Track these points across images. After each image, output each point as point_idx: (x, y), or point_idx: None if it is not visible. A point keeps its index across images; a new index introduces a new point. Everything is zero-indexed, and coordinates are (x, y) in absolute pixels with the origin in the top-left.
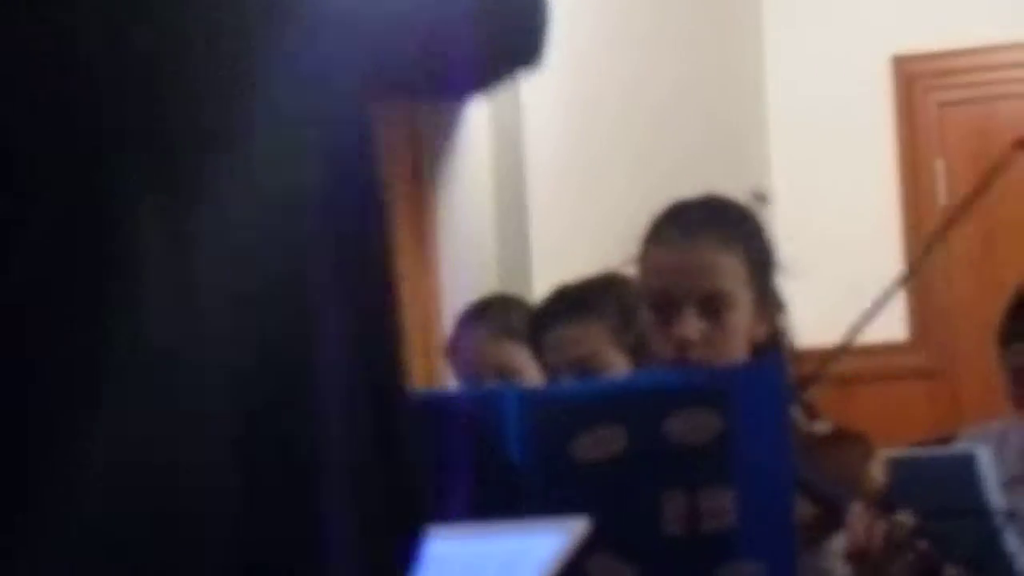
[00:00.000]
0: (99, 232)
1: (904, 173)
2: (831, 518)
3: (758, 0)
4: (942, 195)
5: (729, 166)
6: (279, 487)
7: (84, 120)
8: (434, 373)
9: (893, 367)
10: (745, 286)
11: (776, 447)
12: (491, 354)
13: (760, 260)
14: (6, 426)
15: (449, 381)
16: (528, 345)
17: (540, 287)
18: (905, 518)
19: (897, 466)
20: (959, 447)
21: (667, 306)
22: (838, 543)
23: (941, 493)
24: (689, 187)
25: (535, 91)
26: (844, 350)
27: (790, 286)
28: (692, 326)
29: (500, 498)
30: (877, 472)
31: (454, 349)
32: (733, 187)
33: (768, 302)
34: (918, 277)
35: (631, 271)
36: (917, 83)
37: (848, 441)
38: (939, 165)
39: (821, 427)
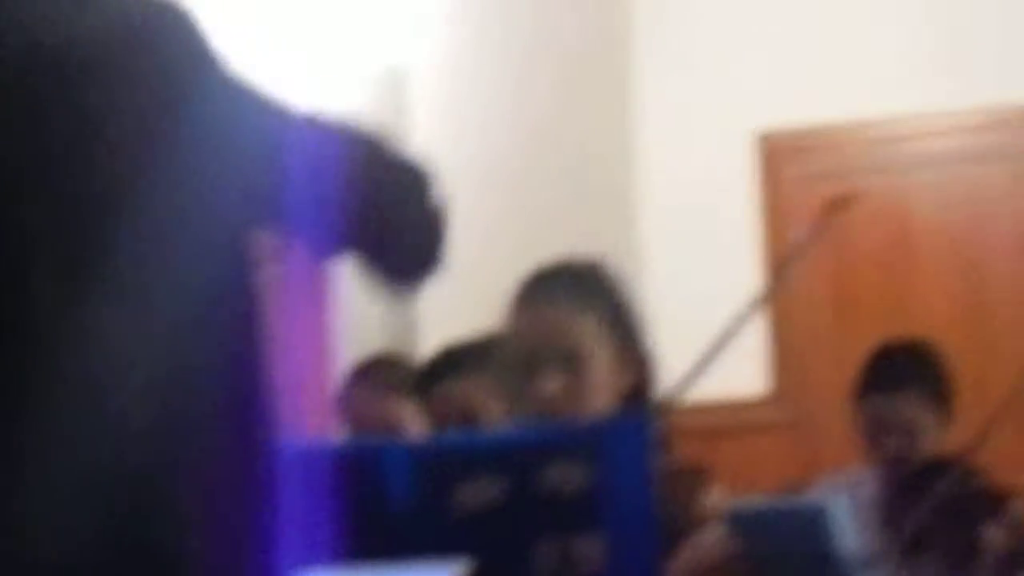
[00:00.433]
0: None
1: (766, 241)
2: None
3: (629, 75)
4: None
5: (602, 229)
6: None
7: None
8: (326, 427)
9: (755, 421)
10: (603, 343)
11: (643, 496)
12: (378, 408)
13: (617, 318)
14: None
15: (339, 434)
16: (413, 399)
17: (424, 346)
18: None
19: (751, 516)
20: (814, 497)
21: (530, 364)
22: None
23: (797, 540)
24: (563, 250)
25: None
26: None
27: (661, 342)
28: (553, 382)
29: (386, 544)
30: (712, 501)
31: (343, 404)
32: (605, 250)
33: (629, 356)
34: (781, 339)
35: None
36: (778, 158)
37: (684, 473)
38: (798, 233)
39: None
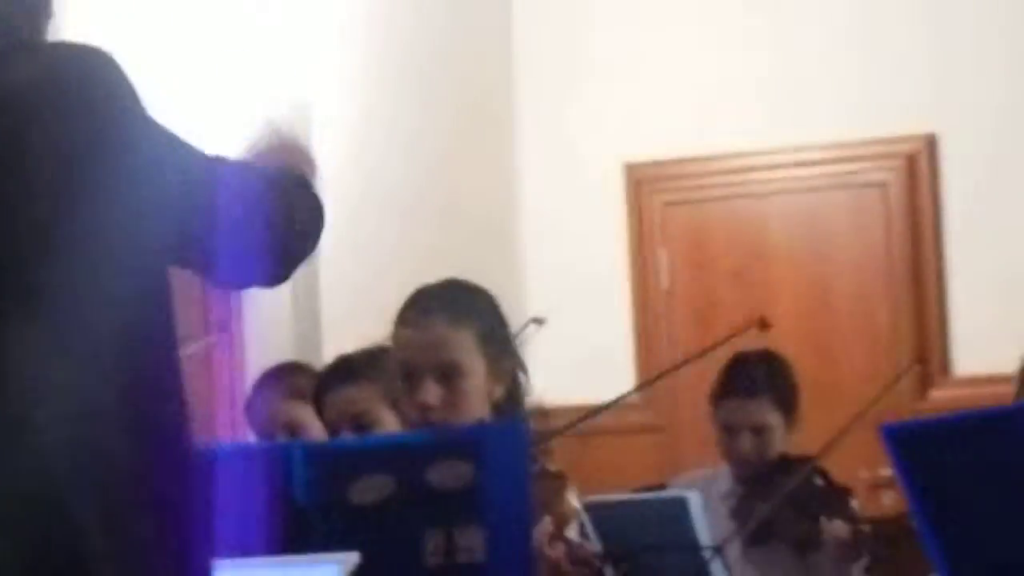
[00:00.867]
0: None
1: (633, 259)
2: None
3: (512, 114)
4: (664, 278)
5: (488, 255)
6: None
7: None
8: (238, 429)
9: (625, 424)
10: (477, 356)
11: (519, 492)
12: (282, 412)
13: (491, 333)
14: None
15: (248, 435)
16: (313, 405)
17: (328, 357)
18: (586, 543)
19: (620, 507)
20: (673, 491)
21: (411, 376)
22: None
23: (658, 530)
24: (452, 272)
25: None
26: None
27: (539, 352)
28: (431, 392)
29: (288, 534)
30: (571, 501)
31: (251, 408)
32: (491, 270)
33: (501, 368)
34: (647, 349)
35: None
36: (644, 186)
37: (548, 476)
38: (662, 254)
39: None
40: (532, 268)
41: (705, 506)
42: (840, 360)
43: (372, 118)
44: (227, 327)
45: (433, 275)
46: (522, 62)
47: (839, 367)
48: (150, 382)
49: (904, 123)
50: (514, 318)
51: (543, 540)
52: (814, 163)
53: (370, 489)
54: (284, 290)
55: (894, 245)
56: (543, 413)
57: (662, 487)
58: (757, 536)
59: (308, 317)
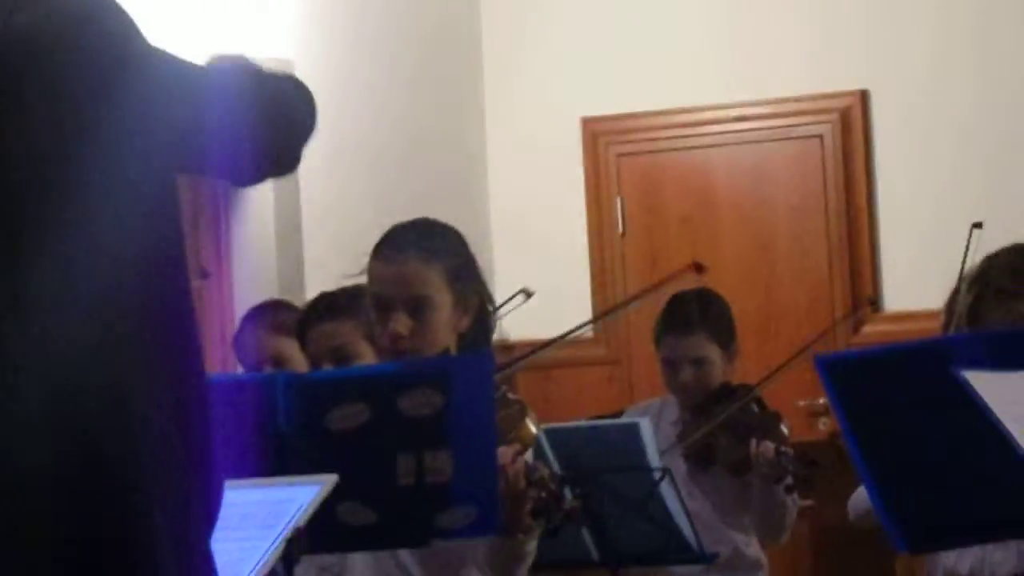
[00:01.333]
0: None
1: (591, 207)
2: None
3: (479, 72)
4: (620, 224)
5: (456, 200)
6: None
7: None
8: (228, 361)
9: (582, 357)
10: (445, 291)
11: (485, 418)
12: (268, 346)
13: (457, 270)
14: None
15: (236, 368)
16: (296, 339)
17: (311, 294)
18: (542, 466)
19: (577, 433)
20: (625, 419)
21: (383, 308)
22: None
23: (612, 454)
24: (421, 213)
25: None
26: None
27: (504, 293)
28: (401, 323)
29: (271, 458)
30: (530, 427)
31: (239, 343)
32: (457, 212)
33: (468, 301)
34: (603, 287)
35: None
36: (600, 138)
37: (509, 404)
38: (618, 202)
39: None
40: (496, 213)
41: (656, 432)
42: (781, 298)
43: (350, 71)
44: (217, 270)
45: (404, 216)
46: (485, 24)
47: (780, 304)
48: (167, 304)
49: (839, 80)
50: (480, 259)
51: (506, 462)
52: (757, 117)
53: (347, 416)
54: (269, 233)
55: (830, 192)
56: (507, 347)
57: (619, 415)
58: (699, 460)
59: (291, 259)
